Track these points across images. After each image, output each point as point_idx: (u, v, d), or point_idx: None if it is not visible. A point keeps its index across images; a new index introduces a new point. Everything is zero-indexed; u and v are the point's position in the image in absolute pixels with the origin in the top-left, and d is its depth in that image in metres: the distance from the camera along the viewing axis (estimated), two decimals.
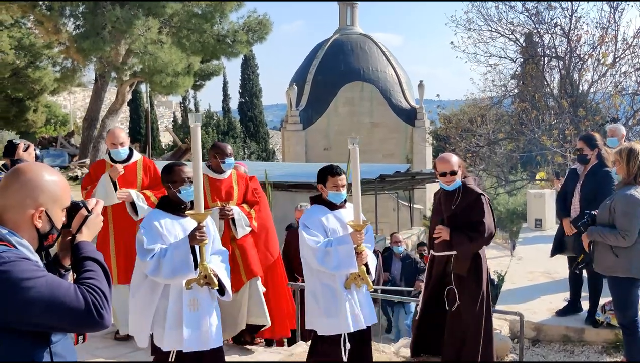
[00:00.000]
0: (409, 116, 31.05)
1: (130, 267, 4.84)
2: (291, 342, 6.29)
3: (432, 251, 5.03)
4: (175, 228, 3.95)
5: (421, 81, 30.93)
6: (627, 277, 4.82)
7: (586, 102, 14.82)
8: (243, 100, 40.44)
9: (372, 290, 4.56)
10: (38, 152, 6.13)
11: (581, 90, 15.11)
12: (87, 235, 2.34)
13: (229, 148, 5.75)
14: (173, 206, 4.03)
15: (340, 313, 4.30)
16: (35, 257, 2.15)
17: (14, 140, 4.65)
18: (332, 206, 4.45)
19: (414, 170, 22.81)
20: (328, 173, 4.41)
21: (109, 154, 5.74)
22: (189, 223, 3.92)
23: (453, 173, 4.72)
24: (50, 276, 2.06)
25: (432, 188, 24.40)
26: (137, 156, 5.85)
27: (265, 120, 43.49)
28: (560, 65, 15.30)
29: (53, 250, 2.38)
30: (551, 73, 15.89)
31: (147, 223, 3.91)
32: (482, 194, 4.78)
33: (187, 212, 3.94)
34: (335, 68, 30.80)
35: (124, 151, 5.70)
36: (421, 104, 31.13)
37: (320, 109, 30.82)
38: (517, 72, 16.48)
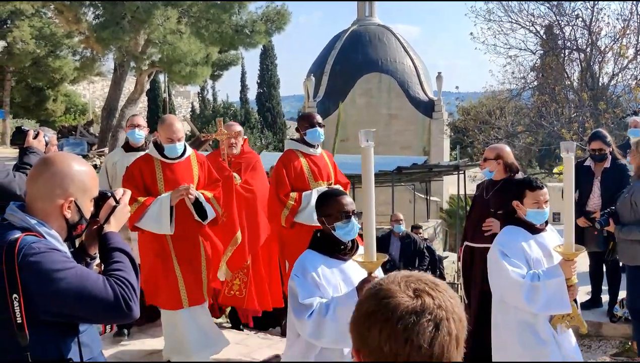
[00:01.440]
0: (427, 108, 30.86)
1: (198, 283, 4.56)
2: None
3: (466, 242, 4.91)
4: (335, 276, 3.04)
5: (439, 73, 30.71)
6: None
7: (606, 95, 14.64)
8: (261, 90, 40.47)
9: (586, 332, 3.94)
10: (55, 139, 5.99)
11: (602, 83, 14.93)
12: (115, 225, 2.32)
13: (318, 116, 5.19)
14: (329, 246, 3.11)
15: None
16: (64, 248, 2.16)
17: (22, 127, 4.48)
18: (532, 229, 3.69)
19: (431, 162, 22.71)
20: (527, 186, 3.67)
21: (157, 149, 4.66)
22: (352, 269, 3.06)
23: (486, 159, 4.77)
24: (79, 267, 2.08)
25: (448, 180, 24.27)
26: (189, 150, 4.80)
27: (283, 110, 43.51)
28: (581, 58, 15.13)
29: (78, 239, 2.40)
30: (571, 65, 15.72)
31: (301, 269, 3.03)
32: None
33: (354, 259, 3.03)
34: (353, 59, 30.69)
35: (180, 146, 4.63)
36: (439, 96, 30.93)
37: (338, 100, 30.75)
38: (536, 64, 16.31)
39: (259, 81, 40.61)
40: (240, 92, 41.66)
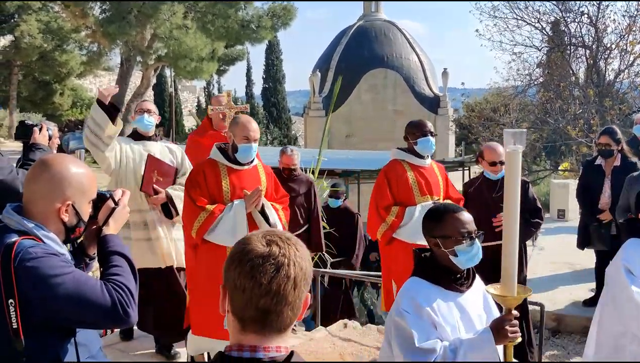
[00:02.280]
0: (432, 104, 30.84)
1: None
2: None
3: None
4: (453, 313, 2.50)
5: (445, 69, 30.70)
6: None
7: (612, 92, 14.61)
8: (266, 85, 40.52)
9: None
10: (57, 132, 5.93)
11: (607, 80, 14.90)
12: (114, 227, 2.30)
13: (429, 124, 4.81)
14: (442, 274, 2.56)
15: None
16: (63, 250, 2.15)
17: (26, 121, 4.27)
18: None
19: (436, 158, 22.72)
20: None
21: (222, 152, 4.09)
22: (469, 303, 2.57)
23: (502, 163, 4.63)
24: (77, 272, 2.06)
25: (453, 176, 24.29)
26: (256, 158, 4.29)
27: (288, 106, 43.55)
28: (587, 54, 15.10)
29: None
30: (577, 62, 15.70)
31: (412, 304, 2.44)
32: (527, 182, 4.81)
33: (489, 291, 2.51)
34: (358, 55, 30.68)
35: (255, 148, 4.09)
36: (445, 92, 30.90)
37: (343, 95, 30.75)
38: (542, 61, 16.30)
39: (264, 76, 40.65)
40: (245, 87, 41.72)
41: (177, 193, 4.60)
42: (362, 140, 28.90)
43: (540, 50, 16.11)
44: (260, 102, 40.82)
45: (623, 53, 14.27)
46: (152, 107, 4.86)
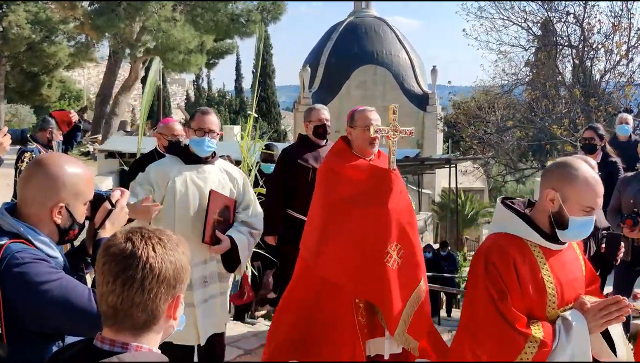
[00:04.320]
0: (421, 101, 30.98)
1: None
2: None
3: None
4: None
5: (434, 66, 30.82)
6: None
7: (598, 91, 14.75)
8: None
9: None
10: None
11: (593, 80, 15.04)
12: (111, 230, 2.22)
13: None
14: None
15: None
16: (55, 253, 2.09)
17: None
18: None
19: (424, 155, 22.82)
20: None
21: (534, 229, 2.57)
22: None
23: None
24: (65, 279, 2.00)
25: (441, 173, 24.39)
26: None
27: (278, 100, 43.50)
28: (573, 54, 15.23)
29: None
30: (563, 62, 15.82)
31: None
32: None
33: None
34: (348, 51, 30.74)
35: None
36: (433, 90, 31.04)
37: (333, 91, 30.81)
38: (529, 60, 16.41)
39: (254, 70, 40.61)
40: (235, 80, 41.64)
41: (243, 239, 3.71)
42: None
43: (526, 50, 16.22)
44: (250, 96, 40.77)
45: (609, 53, 14.40)
46: (216, 124, 3.74)
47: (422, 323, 3.86)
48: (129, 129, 27.52)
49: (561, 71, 15.77)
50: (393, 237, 3.75)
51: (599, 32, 14.73)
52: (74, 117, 6.94)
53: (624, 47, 14.24)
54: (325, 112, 5.06)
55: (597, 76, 15.18)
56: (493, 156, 17.65)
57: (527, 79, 16.48)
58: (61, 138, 6.89)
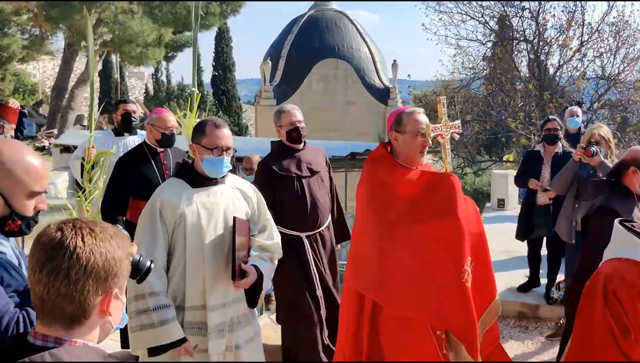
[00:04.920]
0: (383, 95, 31.10)
1: None
2: None
3: None
4: None
5: (395, 61, 30.97)
6: None
7: (552, 85, 15.06)
8: (216, 73, 40.11)
9: None
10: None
11: (548, 74, 15.36)
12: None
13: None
14: None
15: None
16: (2, 246, 2.03)
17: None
18: None
19: None
20: None
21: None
22: None
23: None
24: None
25: None
26: None
27: (239, 94, 43.21)
28: (528, 49, 15.52)
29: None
30: (519, 56, 16.11)
31: None
32: None
33: None
34: (309, 44, 30.67)
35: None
36: (394, 84, 31.20)
37: (294, 84, 30.72)
38: (486, 55, 16.66)
39: (214, 64, 40.22)
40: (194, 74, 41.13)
41: (267, 268, 3.29)
42: (313, 130, 28.80)
43: (484, 44, 16.46)
44: (210, 90, 40.38)
45: (562, 48, 14.71)
46: (231, 139, 3.20)
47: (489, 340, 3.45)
48: (85, 123, 26.97)
49: (517, 65, 16.04)
50: (467, 251, 3.20)
51: (553, 28, 15.04)
52: (14, 105, 6.72)
53: (576, 42, 14.58)
54: (297, 113, 4.61)
55: (552, 70, 15.50)
56: (452, 149, 17.86)
57: (484, 73, 16.71)
58: (12, 132, 6.68)
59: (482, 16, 16.08)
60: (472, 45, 16.53)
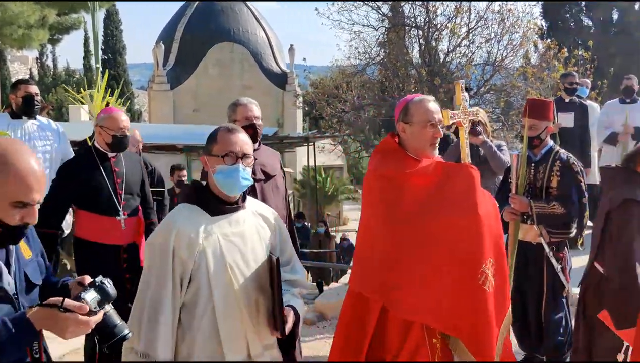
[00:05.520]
0: (280, 80, 31.11)
1: None
2: None
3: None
4: None
5: (292, 45, 31.04)
6: None
7: (443, 71, 15.60)
8: (105, 57, 38.51)
9: None
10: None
11: (438, 60, 15.88)
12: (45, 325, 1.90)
13: None
14: None
15: None
16: None
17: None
18: None
19: (285, 134, 22.97)
20: None
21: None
22: None
23: None
24: None
25: (301, 152, 24.70)
26: None
27: (131, 79, 41.75)
28: (419, 35, 15.97)
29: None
30: (411, 42, 16.54)
31: None
32: None
33: None
34: (204, 27, 30.07)
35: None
36: (292, 68, 31.29)
37: (189, 69, 30.06)
38: (381, 40, 16.97)
39: (103, 47, 38.53)
40: (83, 58, 39.28)
41: (301, 306, 2.79)
42: (210, 116, 28.48)
43: (377, 30, 16.75)
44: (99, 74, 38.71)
45: (451, 35, 15.27)
46: (251, 146, 2.68)
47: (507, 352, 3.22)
48: None
49: (409, 51, 16.47)
50: (487, 251, 2.91)
51: (442, 14, 15.55)
52: None
53: (464, 29, 15.17)
54: (254, 108, 4.14)
55: (442, 56, 16.04)
56: (349, 134, 18.16)
57: (378, 59, 17.04)
58: None
59: (374, 1, 16.34)
60: (365, 30, 16.77)
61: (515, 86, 14.60)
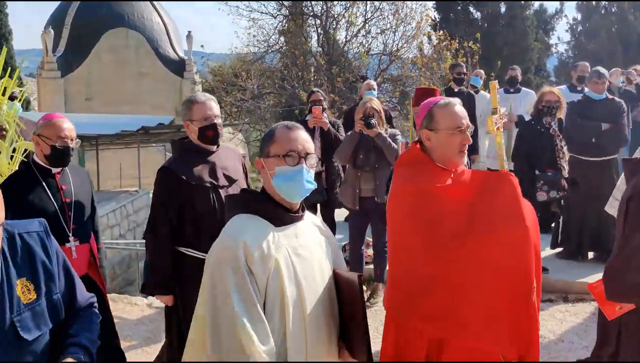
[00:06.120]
0: (178, 67, 30.35)
1: None
2: None
3: None
4: None
5: (189, 32, 30.33)
6: None
7: (341, 60, 15.83)
8: None
9: None
10: None
11: (336, 49, 16.11)
12: None
13: None
14: None
15: None
16: None
17: None
18: None
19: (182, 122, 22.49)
20: None
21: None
22: None
23: None
24: None
25: None
26: None
27: (20, 65, 39.34)
28: (317, 24, 16.11)
29: None
30: (309, 31, 16.66)
31: None
32: None
33: None
34: (96, 12, 28.81)
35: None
36: (190, 56, 30.59)
37: (81, 55, 28.71)
38: (280, 29, 16.97)
39: None
40: None
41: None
42: (104, 104, 27.43)
43: (275, 18, 16.74)
44: None
45: (348, 25, 15.53)
46: (309, 142, 2.37)
47: None
48: None
49: (308, 40, 16.59)
50: (534, 266, 2.68)
51: (339, 4, 15.76)
52: None
53: (361, 19, 15.46)
54: (213, 105, 3.76)
55: (340, 45, 16.28)
56: (248, 122, 18.08)
57: (277, 47, 17.04)
58: None
59: None
60: (264, 18, 16.71)
61: (409, 76, 15.05)
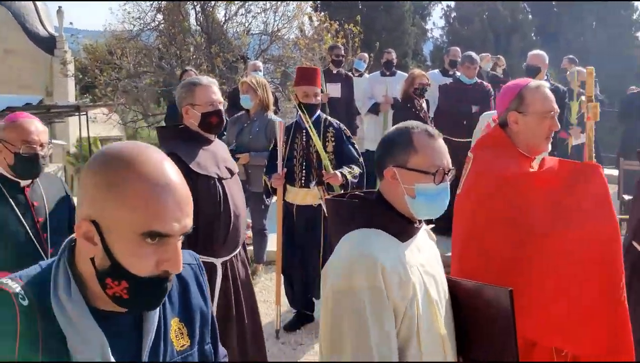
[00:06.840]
0: (48, 44, 28.61)
1: None
2: None
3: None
4: None
5: (60, 7, 28.70)
6: None
7: (220, 39, 15.55)
8: None
9: None
10: None
11: (216, 28, 15.79)
12: None
13: None
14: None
15: None
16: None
17: None
18: None
19: (54, 102, 21.21)
20: None
21: None
22: None
23: None
24: None
25: (73, 122, 23.06)
26: None
27: None
28: (195, 2, 15.70)
29: None
30: (187, 9, 16.17)
31: None
32: None
33: None
34: None
35: None
36: (61, 32, 28.93)
37: None
38: (156, 6, 16.34)
39: None
40: None
41: None
42: None
43: None
44: None
45: (227, 4, 15.26)
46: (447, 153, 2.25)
47: None
48: None
49: (186, 18, 16.11)
50: (622, 264, 2.54)
51: None
52: None
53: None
54: (216, 90, 3.42)
55: (219, 24, 15.97)
56: (124, 103, 17.37)
57: (154, 25, 16.41)
58: None
59: None
60: None
61: (290, 57, 15.04)
